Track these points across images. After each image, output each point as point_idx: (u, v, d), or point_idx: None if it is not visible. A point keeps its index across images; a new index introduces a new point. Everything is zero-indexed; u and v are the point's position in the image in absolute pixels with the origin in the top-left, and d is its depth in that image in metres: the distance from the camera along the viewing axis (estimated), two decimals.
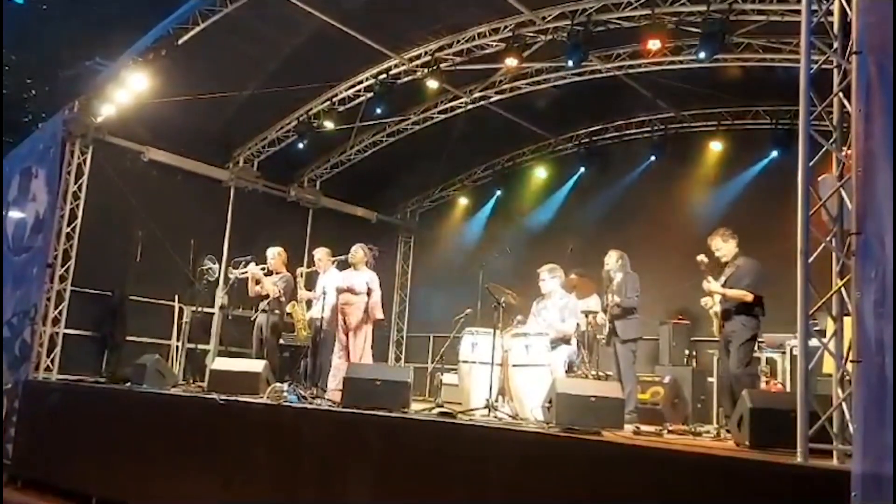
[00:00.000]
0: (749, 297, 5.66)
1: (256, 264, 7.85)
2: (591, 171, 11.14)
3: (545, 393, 5.23)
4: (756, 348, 6.18)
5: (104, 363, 9.11)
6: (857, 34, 3.59)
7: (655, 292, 8.80)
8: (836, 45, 3.96)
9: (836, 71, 3.96)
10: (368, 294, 7.33)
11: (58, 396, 7.16)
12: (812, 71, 3.91)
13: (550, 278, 6.74)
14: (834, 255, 3.94)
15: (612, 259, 6.98)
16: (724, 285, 5.84)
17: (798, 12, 4.04)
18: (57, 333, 8.91)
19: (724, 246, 5.95)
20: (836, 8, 3.98)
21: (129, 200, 9.34)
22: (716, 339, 6.16)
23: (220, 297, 9.24)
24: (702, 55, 7.45)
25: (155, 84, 8.49)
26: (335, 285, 7.41)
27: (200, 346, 9.21)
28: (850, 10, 3.72)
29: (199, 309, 9.12)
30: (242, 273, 7.91)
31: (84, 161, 9.33)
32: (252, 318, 8.03)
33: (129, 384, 6.96)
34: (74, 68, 9.61)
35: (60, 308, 8.98)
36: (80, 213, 9.19)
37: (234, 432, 5.63)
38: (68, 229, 9.08)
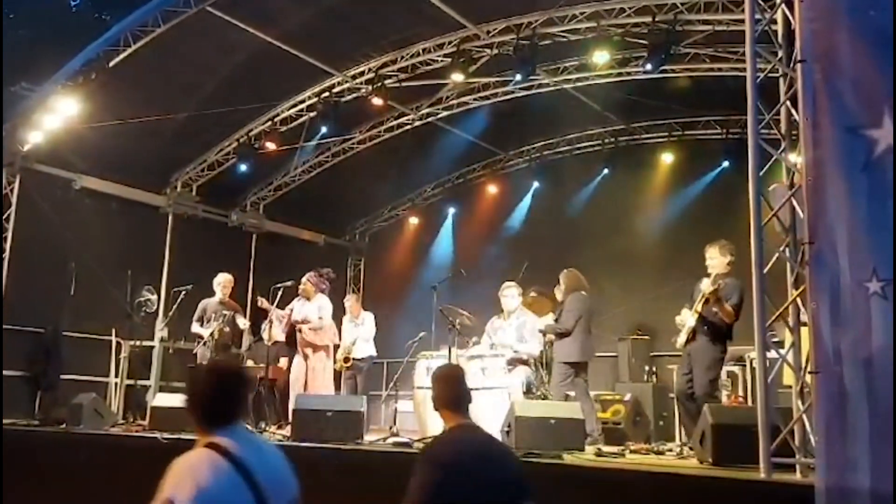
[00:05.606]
0: (730, 319, 5.30)
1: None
2: (544, 185, 11.11)
3: (504, 417, 5.11)
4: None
5: (37, 405, 8.59)
6: (802, 43, 3.59)
7: (612, 307, 8.74)
8: (780, 53, 3.97)
9: (782, 80, 3.96)
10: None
11: None
12: (759, 80, 3.90)
13: (512, 297, 6.61)
14: (788, 265, 3.91)
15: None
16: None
17: (743, 21, 4.03)
18: None
19: (718, 258, 5.55)
20: (779, 17, 3.99)
21: (60, 231, 8.91)
22: (676, 352, 6.03)
23: (160, 329, 8.86)
24: (650, 66, 7.48)
25: (85, 109, 8.16)
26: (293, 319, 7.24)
27: (140, 382, 8.76)
28: (794, 19, 3.71)
29: (138, 343, 8.75)
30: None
31: (11, 191, 8.87)
32: (194, 351, 7.71)
33: (64, 426, 6.72)
34: None
35: None
36: (7, 247, 8.73)
37: None
38: None
